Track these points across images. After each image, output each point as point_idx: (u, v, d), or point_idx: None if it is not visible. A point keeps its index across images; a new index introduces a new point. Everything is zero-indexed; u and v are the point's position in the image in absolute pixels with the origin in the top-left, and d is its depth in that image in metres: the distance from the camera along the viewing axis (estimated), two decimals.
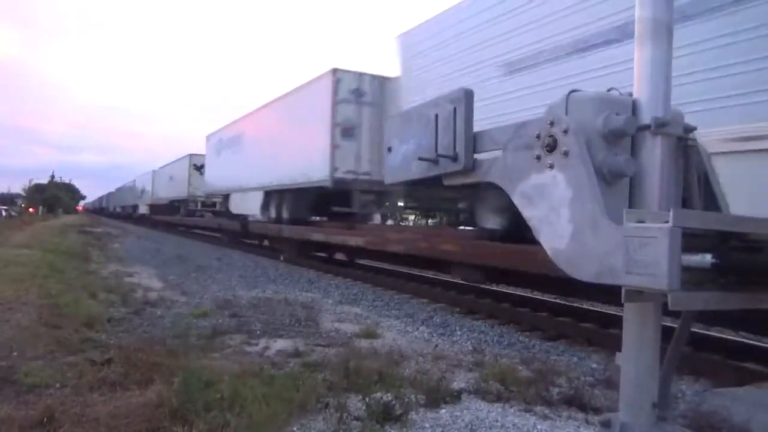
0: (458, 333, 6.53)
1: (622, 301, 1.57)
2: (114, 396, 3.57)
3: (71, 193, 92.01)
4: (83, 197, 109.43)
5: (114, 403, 3.41)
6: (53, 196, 75.11)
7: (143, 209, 44.17)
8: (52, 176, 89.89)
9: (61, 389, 3.71)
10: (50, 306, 6.38)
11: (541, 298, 8.48)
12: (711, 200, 1.84)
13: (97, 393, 3.63)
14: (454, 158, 1.99)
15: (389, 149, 2.34)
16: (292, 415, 3.40)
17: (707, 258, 1.44)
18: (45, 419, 3.09)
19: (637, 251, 1.39)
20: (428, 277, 10.76)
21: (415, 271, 11.43)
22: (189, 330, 5.76)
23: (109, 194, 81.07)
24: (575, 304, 7.85)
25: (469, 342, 6.05)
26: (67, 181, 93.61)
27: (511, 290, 9.13)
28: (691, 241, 1.44)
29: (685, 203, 1.79)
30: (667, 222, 1.35)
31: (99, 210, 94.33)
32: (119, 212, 62.51)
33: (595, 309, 7.39)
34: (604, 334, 6.09)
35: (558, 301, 8.26)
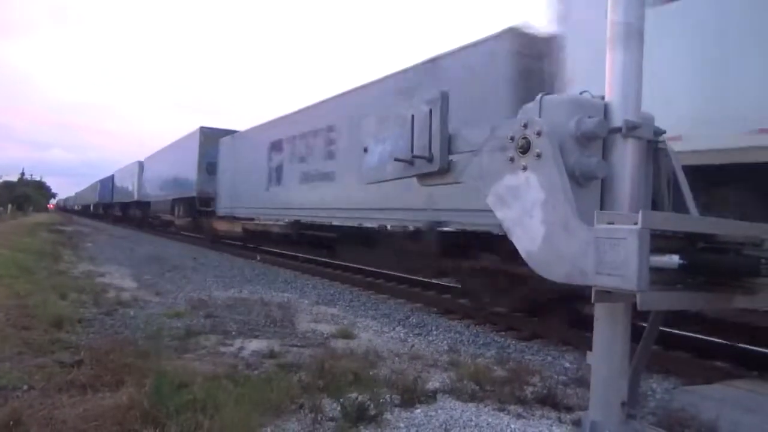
0: (434, 333, 6.56)
1: (592, 302, 1.59)
2: (84, 398, 3.50)
3: (42, 190, 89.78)
4: (54, 195, 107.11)
5: (83, 406, 3.34)
6: (23, 195, 73.25)
7: None
8: (22, 173, 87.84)
9: (28, 391, 3.62)
10: (18, 307, 6.22)
11: None
12: (680, 202, 1.88)
13: (66, 395, 3.55)
14: (430, 159, 1.99)
15: (365, 150, 2.34)
16: (266, 417, 3.38)
17: (675, 259, 1.47)
18: (11, 422, 3.01)
19: (607, 252, 1.41)
20: (406, 278, 10.77)
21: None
22: (162, 331, 5.66)
23: (126, 171, 36.70)
24: None
25: (445, 342, 6.08)
26: (37, 179, 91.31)
27: None
28: (660, 242, 1.47)
29: (655, 205, 1.82)
30: (636, 224, 1.37)
31: (93, 209, 57.30)
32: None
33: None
34: (578, 334, 6.16)
35: None
